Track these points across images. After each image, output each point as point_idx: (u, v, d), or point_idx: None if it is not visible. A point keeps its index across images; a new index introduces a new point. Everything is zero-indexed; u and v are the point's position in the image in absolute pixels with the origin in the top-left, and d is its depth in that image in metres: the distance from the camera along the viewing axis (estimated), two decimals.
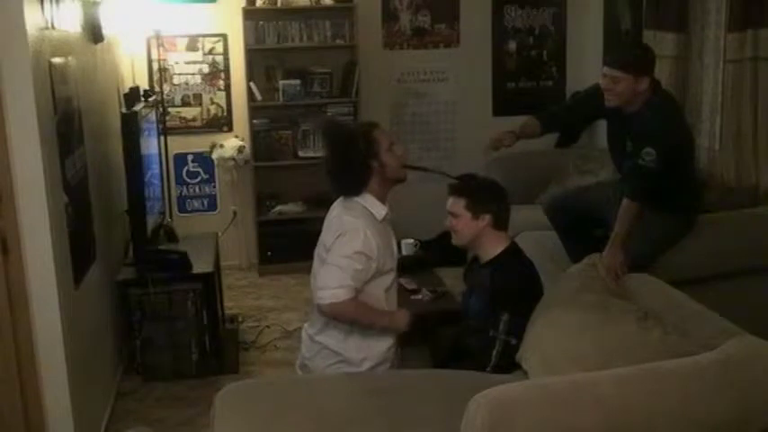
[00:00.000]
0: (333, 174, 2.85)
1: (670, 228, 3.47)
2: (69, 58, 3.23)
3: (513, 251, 2.93)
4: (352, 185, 2.82)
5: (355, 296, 2.71)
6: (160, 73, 5.18)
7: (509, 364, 2.68)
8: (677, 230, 3.49)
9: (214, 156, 5.45)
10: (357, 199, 2.81)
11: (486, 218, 2.88)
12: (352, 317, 2.74)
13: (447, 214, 2.99)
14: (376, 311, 2.80)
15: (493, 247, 2.90)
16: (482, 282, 2.89)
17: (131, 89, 4.29)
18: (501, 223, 2.92)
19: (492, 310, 2.77)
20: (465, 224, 2.92)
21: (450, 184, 3.01)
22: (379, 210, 2.82)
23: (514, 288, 2.81)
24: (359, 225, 2.73)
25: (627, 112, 3.37)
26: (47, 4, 2.91)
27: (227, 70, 5.52)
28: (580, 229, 3.78)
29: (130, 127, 3.66)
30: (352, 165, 2.79)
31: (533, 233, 4.38)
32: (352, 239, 2.70)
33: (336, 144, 2.86)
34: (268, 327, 4.55)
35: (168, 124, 5.32)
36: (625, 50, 3.76)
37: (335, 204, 2.92)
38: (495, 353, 2.72)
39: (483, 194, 2.93)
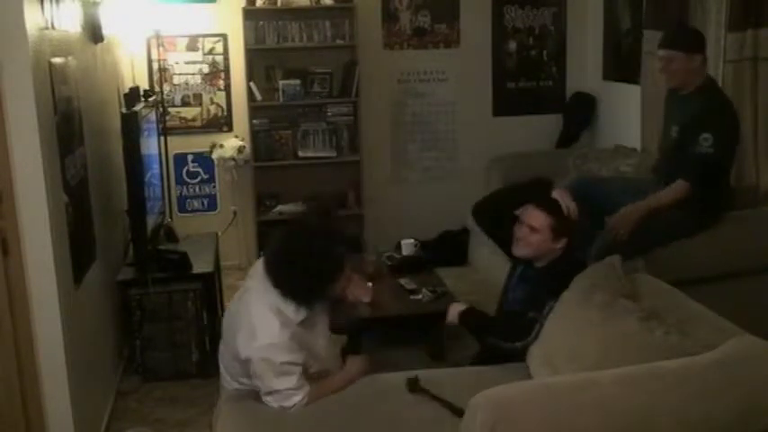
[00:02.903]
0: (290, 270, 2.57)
1: (690, 221, 3.49)
2: (69, 58, 3.23)
3: (567, 254, 2.88)
4: (300, 293, 2.58)
5: (307, 385, 2.57)
6: (160, 73, 5.19)
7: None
8: (695, 225, 3.51)
9: (214, 156, 5.45)
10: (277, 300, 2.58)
11: (563, 242, 2.82)
12: (319, 397, 2.61)
13: (521, 223, 2.85)
14: (334, 381, 2.67)
15: (549, 258, 2.86)
16: (535, 279, 2.85)
17: (131, 89, 4.29)
18: (571, 245, 2.85)
19: (536, 297, 2.74)
20: (541, 242, 2.82)
21: (544, 199, 2.89)
22: (299, 313, 2.60)
23: (565, 280, 2.75)
24: (268, 325, 2.54)
25: (681, 95, 3.50)
26: (47, 4, 2.91)
27: (227, 70, 5.52)
28: (594, 214, 3.80)
29: (130, 127, 3.66)
30: (312, 284, 2.58)
31: None
32: (269, 336, 2.52)
33: (307, 257, 2.58)
34: None
35: (168, 124, 5.32)
36: (675, 31, 3.85)
37: (252, 297, 2.63)
38: (534, 332, 2.67)
39: (570, 220, 2.85)
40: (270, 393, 2.55)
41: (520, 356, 2.69)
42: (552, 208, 2.84)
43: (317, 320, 2.72)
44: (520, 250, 2.88)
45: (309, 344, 2.65)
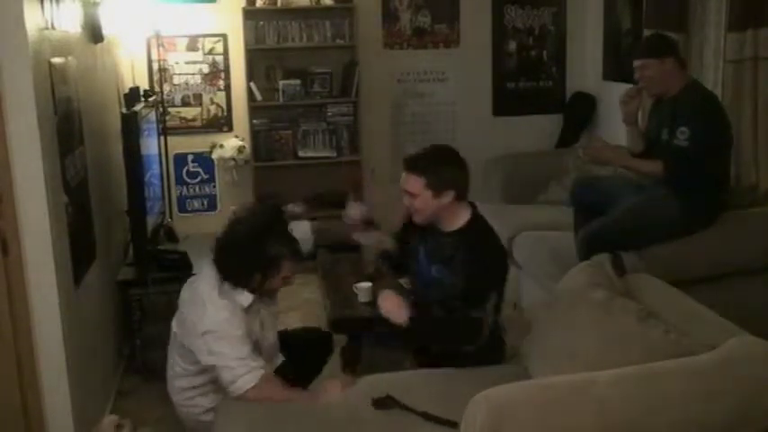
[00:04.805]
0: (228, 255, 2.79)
1: (686, 220, 3.52)
2: (69, 58, 3.23)
3: (477, 219, 2.77)
4: (233, 276, 2.76)
5: (262, 360, 2.71)
6: (160, 73, 5.19)
7: (493, 343, 2.70)
8: (691, 224, 3.53)
9: (214, 156, 5.45)
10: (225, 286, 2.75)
11: (450, 194, 2.68)
12: (269, 398, 2.65)
13: (403, 192, 2.75)
14: (298, 393, 2.75)
15: (456, 218, 2.74)
16: (446, 251, 2.74)
17: (131, 89, 4.29)
18: (463, 194, 2.73)
19: (474, 289, 2.65)
20: (426, 203, 2.70)
21: (407, 159, 2.77)
22: (245, 298, 2.77)
23: (499, 266, 2.73)
24: (216, 302, 2.71)
25: (666, 100, 3.59)
26: (47, 4, 2.91)
27: (227, 70, 5.52)
28: (594, 209, 3.81)
29: (130, 127, 3.66)
30: (246, 264, 2.75)
31: (533, 233, 4.38)
32: (216, 312, 2.69)
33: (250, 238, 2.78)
34: None
35: (168, 124, 5.32)
36: (644, 41, 4.07)
37: (199, 279, 2.87)
38: (485, 331, 2.63)
39: (444, 170, 2.69)
40: (227, 366, 2.63)
41: (474, 356, 2.69)
42: (419, 166, 2.71)
43: (264, 315, 2.86)
44: (416, 219, 2.79)
45: (255, 334, 2.80)
